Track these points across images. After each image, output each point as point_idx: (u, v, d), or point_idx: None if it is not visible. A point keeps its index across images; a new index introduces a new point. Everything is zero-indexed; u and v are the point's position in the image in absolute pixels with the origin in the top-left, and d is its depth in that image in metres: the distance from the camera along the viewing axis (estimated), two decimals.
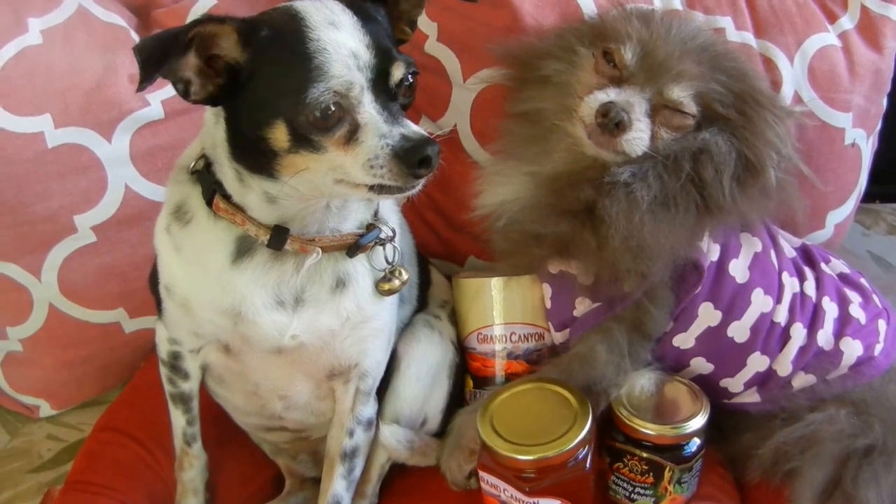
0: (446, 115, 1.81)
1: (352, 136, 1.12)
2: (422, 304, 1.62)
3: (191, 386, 1.45)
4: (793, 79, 1.74)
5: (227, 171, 1.24)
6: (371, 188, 1.14)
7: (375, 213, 1.34)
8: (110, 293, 1.79)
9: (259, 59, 1.12)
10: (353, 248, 1.30)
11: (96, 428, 1.68)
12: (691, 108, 1.34)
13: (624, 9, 1.48)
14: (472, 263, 1.89)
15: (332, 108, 1.10)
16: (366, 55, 1.11)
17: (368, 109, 1.12)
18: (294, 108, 1.10)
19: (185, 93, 1.13)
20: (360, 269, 1.33)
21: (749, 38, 1.76)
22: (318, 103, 1.09)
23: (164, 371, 1.46)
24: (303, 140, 1.12)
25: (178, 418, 1.48)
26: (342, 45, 1.10)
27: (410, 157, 1.10)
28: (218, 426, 1.59)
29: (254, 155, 1.17)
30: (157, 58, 1.06)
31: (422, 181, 1.15)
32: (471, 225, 1.51)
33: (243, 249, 1.27)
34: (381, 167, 1.11)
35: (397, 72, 1.14)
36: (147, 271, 1.48)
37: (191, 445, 1.50)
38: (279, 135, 1.12)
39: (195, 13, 1.80)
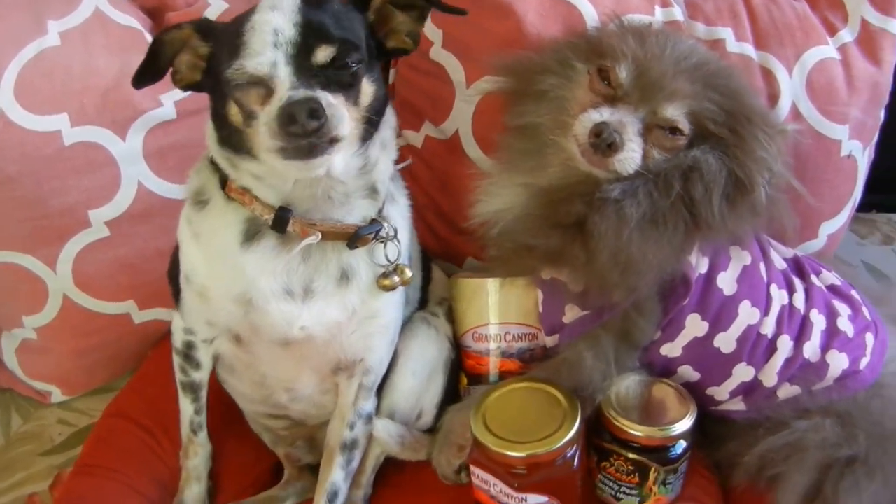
0: (449, 121, 1.83)
1: (268, 100, 1.17)
2: (422, 303, 1.66)
3: (201, 376, 1.50)
4: (791, 91, 1.75)
5: (220, 160, 1.32)
6: (278, 150, 1.17)
7: (380, 212, 1.38)
8: (121, 285, 1.83)
9: (217, 46, 1.23)
10: (353, 238, 1.34)
11: (105, 414, 1.73)
12: (685, 126, 1.34)
13: (621, 24, 1.49)
14: (471, 264, 1.92)
15: (246, 81, 1.17)
16: (290, 32, 1.16)
17: (283, 81, 1.16)
18: (224, 82, 1.19)
19: (174, 80, 1.29)
20: (362, 264, 1.37)
21: (749, 49, 1.77)
22: (233, 75, 1.18)
23: (176, 360, 1.50)
24: (247, 112, 1.20)
25: (186, 407, 1.53)
26: (267, 23, 1.17)
27: (281, 115, 1.13)
28: (222, 417, 1.63)
29: (230, 135, 1.26)
30: (149, 76, 1.27)
31: (319, 149, 1.18)
32: (470, 229, 1.53)
33: (252, 232, 1.32)
34: (272, 128, 1.15)
35: (321, 53, 1.18)
36: (158, 265, 1.55)
37: (197, 434, 1.54)
38: (233, 109, 1.21)
39: (208, 16, 1.84)
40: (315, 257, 1.34)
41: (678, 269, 1.41)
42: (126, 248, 1.81)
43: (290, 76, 1.16)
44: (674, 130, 1.35)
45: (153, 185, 1.79)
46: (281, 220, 1.30)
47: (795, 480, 1.42)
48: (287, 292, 1.34)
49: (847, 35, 1.81)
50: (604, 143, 1.30)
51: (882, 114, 1.87)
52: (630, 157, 1.33)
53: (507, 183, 1.48)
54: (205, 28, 1.26)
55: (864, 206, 2.00)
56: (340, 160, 1.24)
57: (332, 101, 1.16)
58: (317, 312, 1.35)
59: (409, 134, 1.92)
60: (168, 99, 1.77)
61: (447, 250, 1.94)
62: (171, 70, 1.28)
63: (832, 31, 1.81)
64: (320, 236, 1.31)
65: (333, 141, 1.17)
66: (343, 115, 1.17)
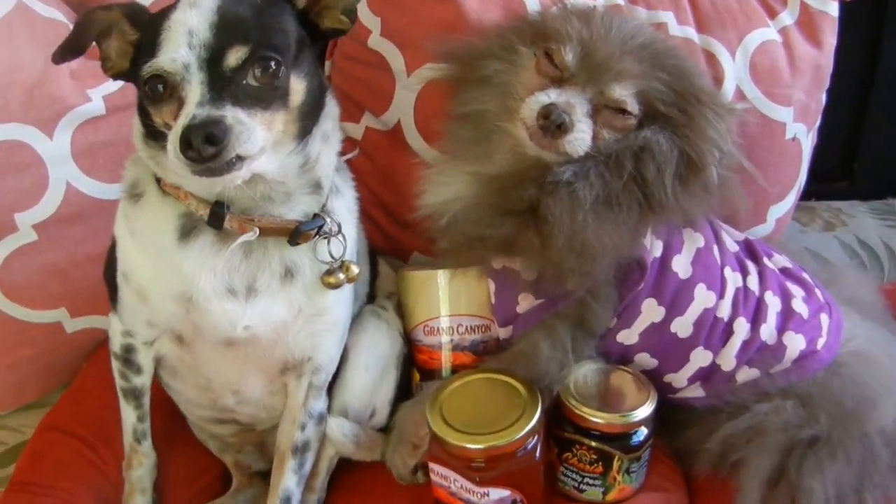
0: (390, 111, 1.84)
1: (178, 113, 1.15)
2: (370, 298, 1.65)
3: (143, 381, 1.46)
4: (735, 74, 1.79)
5: (145, 157, 1.29)
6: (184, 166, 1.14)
7: (323, 206, 1.36)
8: (52, 292, 1.78)
9: (142, 37, 1.21)
10: (294, 234, 1.31)
11: (40, 427, 1.67)
12: (633, 107, 1.35)
13: (565, 7, 1.50)
14: (417, 259, 1.92)
15: (159, 84, 1.16)
16: (204, 34, 1.14)
17: (193, 89, 1.13)
18: (141, 85, 1.18)
19: (104, 67, 1.28)
20: (306, 261, 1.35)
21: (691, 33, 1.80)
22: (144, 77, 1.16)
23: (116, 365, 1.46)
24: (164, 122, 1.18)
25: (128, 414, 1.48)
26: (183, 24, 1.15)
27: (180, 139, 1.11)
28: (165, 425, 1.60)
29: (154, 131, 1.22)
30: (70, 51, 1.26)
31: (228, 170, 1.14)
32: (415, 222, 1.53)
33: (188, 228, 1.30)
34: (175, 146, 1.12)
35: (232, 55, 1.15)
36: (90, 270, 1.54)
37: (140, 443, 1.50)
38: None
39: None
40: (257, 254, 1.32)
41: (633, 253, 1.42)
42: (56, 253, 1.76)
43: (201, 85, 1.13)
44: (623, 111, 1.36)
45: (83, 186, 1.74)
46: (216, 216, 1.27)
47: (758, 464, 1.42)
48: (229, 291, 1.31)
49: (787, 17, 1.85)
50: (552, 124, 1.31)
51: (824, 97, 1.91)
52: (580, 137, 1.34)
53: (454, 172, 1.49)
54: (135, 14, 1.24)
55: (804, 195, 2.05)
56: (272, 163, 1.23)
57: (243, 118, 1.13)
58: (261, 311, 1.33)
59: (349, 126, 1.90)
60: (97, 94, 1.74)
61: (392, 246, 1.94)
62: (101, 57, 1.27)
63: (772, 14, 1.86)
64: (258, 232, 1.29)
65: (241, 158, 1.14)
66: (252, 133, 1.14)
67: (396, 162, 1.84)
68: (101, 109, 1.75)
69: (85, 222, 1.75)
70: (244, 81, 1.16)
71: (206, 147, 1.09)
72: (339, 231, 1.37)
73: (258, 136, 1.15)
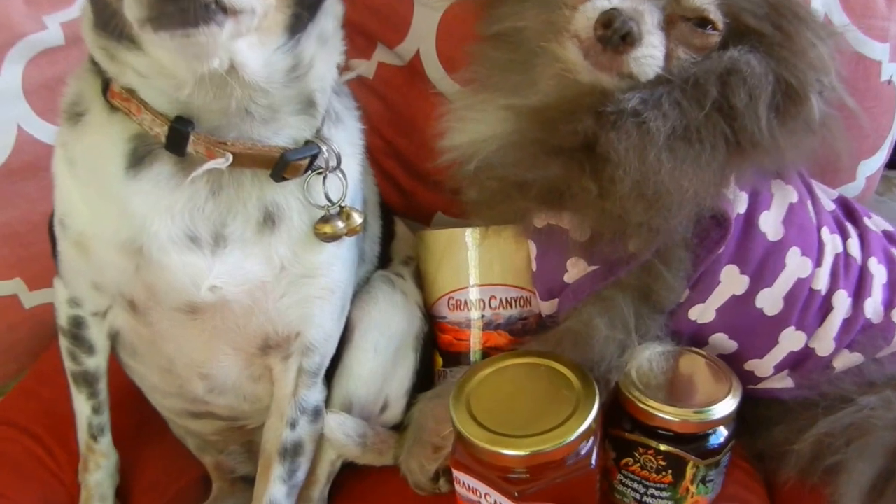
0: (407, 40, 1.71)
1: None
2: (383, 263, 1.50)
3: (97, 362, 1.31)
4: (822, 0, 1.63)
5: (94, 49, 1.10)
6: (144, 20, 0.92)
7: (318, 132, 1.17)
8: (5, 259, 1.67)
9: None
10: (279, 165, 1.12)
11: None
12: (717, 17, 1.16)
13: None
14: (441, 220, 1.83)
15: None
16: None
17: None
18: None
19: None
20: (294, 203, 1.17)
21: None
22: None
23: (64, 344, 1.31)
24: None
25: (81, 405, 1.34)
26: None
27: None
28: (128, 417, 1.47)
29: (107, 16, 1.02)
30: None
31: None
32: (438, 173, 1.37)
33: (140, 153, 1.11)
34: None
35: None
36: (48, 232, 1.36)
37: (97, 440, 1.36)
38: None
39: None
40: (228, 191, 1.13)
41: (715, 205, 1.26)
42: (7, 213, 1.64)
43: None
44: (704, 23, 1.18)
45: (37, 130, 1.62)
46: (178, 135, 1.08)
47: (861, 469, 1.27)
48: (191, 238, 1.12)
49: None
50: (616, 34, 1.12)
51: None
52: (650, 54, 1.15)
53: (486, 106, 1.32)
54: None
55: None
56: (254, 56, 1.03)
57: None
58: (231, 267, 1.14)
59: (359, 64, 1.76)
60: (53, 21, 1.61)
61: (411, 205, 1.83)
62: None
63: None
64: (231, 159, 1.09)
65: (223, 8, 0.91)
66: None
67: (415, 103, 1.71)
68: (59, 39, 1.62)
69: (40, 175, 1.60)
70: None
71: None
72: (339, 166, 1.18)
73: None
